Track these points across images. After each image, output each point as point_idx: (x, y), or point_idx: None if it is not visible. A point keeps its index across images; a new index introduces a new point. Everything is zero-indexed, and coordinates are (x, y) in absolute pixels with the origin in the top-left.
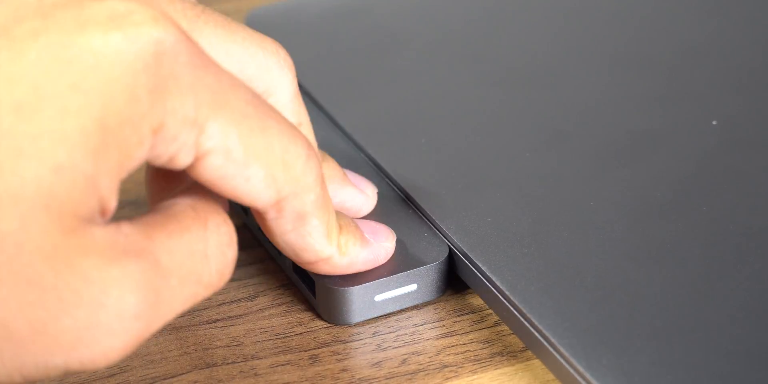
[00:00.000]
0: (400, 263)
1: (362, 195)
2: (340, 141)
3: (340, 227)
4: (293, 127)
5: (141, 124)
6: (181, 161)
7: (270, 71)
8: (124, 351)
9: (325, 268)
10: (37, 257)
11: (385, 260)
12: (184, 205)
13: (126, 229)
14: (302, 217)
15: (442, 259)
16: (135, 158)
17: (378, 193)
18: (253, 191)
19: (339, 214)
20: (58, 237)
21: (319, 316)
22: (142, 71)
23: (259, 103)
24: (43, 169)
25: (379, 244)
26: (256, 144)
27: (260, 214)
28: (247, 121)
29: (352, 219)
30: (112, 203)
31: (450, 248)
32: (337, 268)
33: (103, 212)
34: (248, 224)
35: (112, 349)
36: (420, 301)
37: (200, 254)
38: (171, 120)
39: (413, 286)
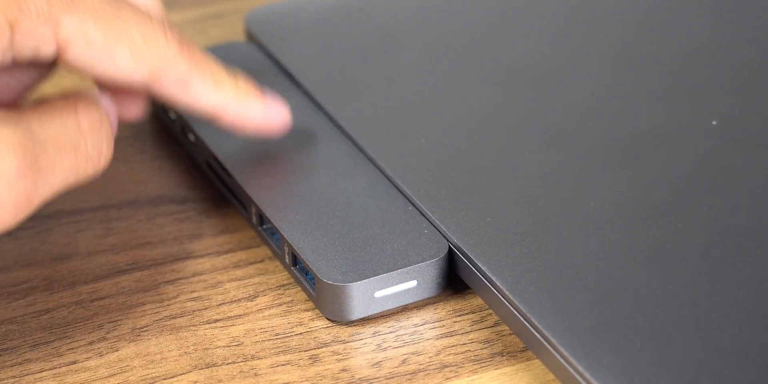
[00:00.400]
0: (400, 259)
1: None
2: (340, 141)
3: (236, 78)
4: (149, 14)
5: None
6: (45, 52)
7: None
8: (15, 211)
9: (228, 119)
10: None
11: (280, 123)
12: (55, 95)
13: None
14: (184, 81)
15: (441, 255)
16: None
17: (378, 191)
18: (125, 69)
19: (231, 71)
20: None
21: (320, 315)
22: None
23: None
24: None
25: (273, 103)
26: (114, 28)
27: (152, 90)
28: (101, 10)
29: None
30: None
31: (450, 247)
32: (239, 115)
33: None
34: (248, 220)
35: (3, 207)
36: (420, 298)
37: (73, 128)
38: (26, 16)
39: (413, 283)
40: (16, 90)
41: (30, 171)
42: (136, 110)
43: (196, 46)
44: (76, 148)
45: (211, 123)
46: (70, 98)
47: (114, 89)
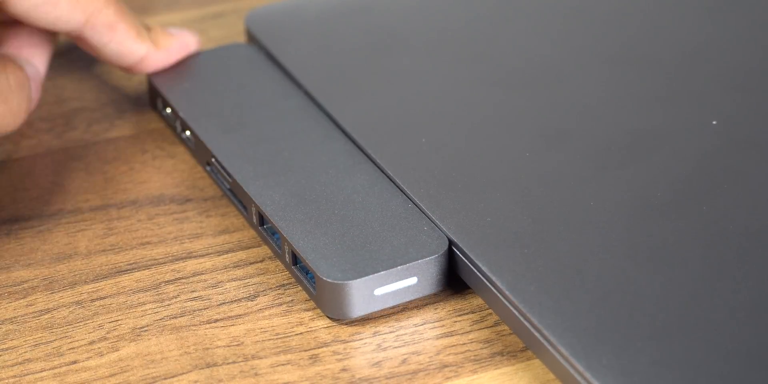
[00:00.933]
0: (400, 256)
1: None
2: (340, 140)
3: (148, 29)
4: None
5: None
6: None
7: None
8: (14, 118)
9: (150, 65)
10: None
11: (195, 47)
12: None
13: None
14: (112, 27)
15: (441, 252)
16: None
17: (378, 189)
18: (63, 15)
19: (143, 22)
20: None
21: (320, 315)
22: None
23: None
24: None
25: (182, 34)
26: None
27: (80, 38)
28: None
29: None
30: None
31: (450, 246)
32: (159, 61)
33: None
34: (247, 220)
35: None
36: (420, 295)
37: (4, 82)
38: None
39: (413, 280)
40: None
41: None
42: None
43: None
44: (6, 99)
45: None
46: (1, 58)
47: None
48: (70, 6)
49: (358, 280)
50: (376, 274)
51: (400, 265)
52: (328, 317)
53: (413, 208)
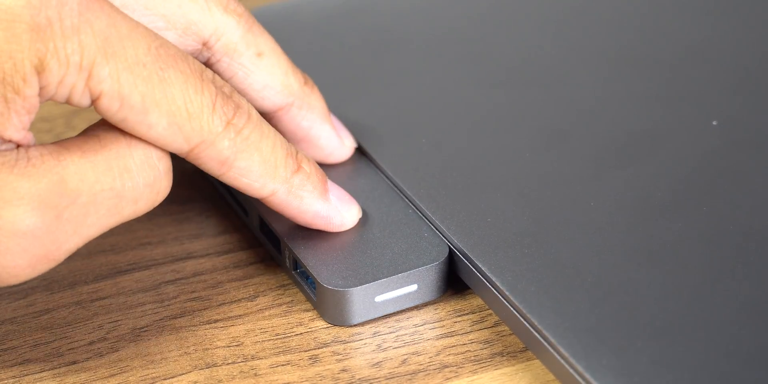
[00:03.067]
0: (401, 264)
1: (338, 139)
2: None
3: (298, 168)
4: (201, 79)
5: (22, 61)
6: (79, 101)
7: (213, 14)
8: (33, 269)
9: (274, 204)
10: None
11: (340, 228)
12: (110, 126)
13: (34, 152)
14: (225, 163)
15: (442, 259)
16: (26, 96)
17: (378, 195)
18: (159, 139)
19: (305, 158)
20: None
21: (320, 317)
22: (24, 8)
23: (164, 52)
24: None
25: (336, 207)
26: (155, 93)
27: (190, 160)
28: (144, 69)
29: (319, 169)
30: (14, 134)
31: (450, 248)
32: (285, 208)
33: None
34: (248, 224)
35: (16, 267)
36: (420, 302)
37: (120, 170)
38: (53, 61)
39: (413, 287)
40: None
41: (49, 230)
42: None
43: (254, 119)
44: (119, 193)
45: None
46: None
47: None
48: (170, 133)
49: (359, 287)
50: (376, 282)
51: (401, 272)
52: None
53: (414, 214)
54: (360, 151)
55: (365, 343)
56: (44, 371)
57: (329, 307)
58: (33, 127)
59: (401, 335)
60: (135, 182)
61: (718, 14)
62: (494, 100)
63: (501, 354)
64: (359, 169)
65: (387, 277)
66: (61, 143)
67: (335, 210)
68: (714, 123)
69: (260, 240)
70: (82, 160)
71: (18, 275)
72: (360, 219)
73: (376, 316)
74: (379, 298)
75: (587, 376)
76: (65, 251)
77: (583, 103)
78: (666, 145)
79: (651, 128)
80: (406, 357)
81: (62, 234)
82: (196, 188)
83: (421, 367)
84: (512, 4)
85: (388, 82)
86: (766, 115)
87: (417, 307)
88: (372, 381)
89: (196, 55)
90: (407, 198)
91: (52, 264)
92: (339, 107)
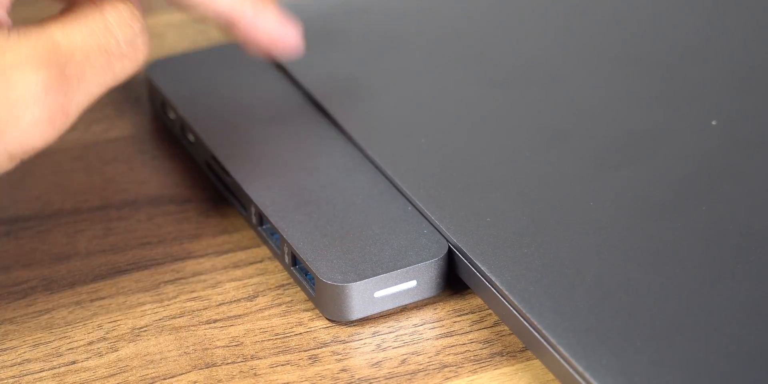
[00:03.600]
0: (400, 259)
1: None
2: (340, 141)
3: None
4: None
5: None
6: None
7: None
8: (53, 124)
9: (242, 24)
10: None
11: (291, 42)
12: (81, 2)
13: (17, 29)
14: None
15: (441, 255)
16: None
17: (378, 191)
18: None
19: None
20: None
21: (319, 315)
22: None
23: None
24: None
25: (287, 21)
26: None
27: None
28: None
29: None
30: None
31: (449, 247)
32: (250, 24)
33: None
34: (247, 220)
35: (38, 123)
36: (420, 298)
37: (101, 30)
38: None
39: (413, 283)
40: None
41: (57, 83)
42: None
43: None
44: (106, 49)
45: (226, 32)
46: (97, 2)
47: None
48: None
49: (358, 282)
50: (375, 277)
51: (400, 268)
52: (327, 318)
53: (413, 211)
54: (360, 150)
55: (365, 343)
56: (43, 371)
57: (328, 303)
58: None
59: (401, 335)
60: (117, 39)
61: (718, 14)
62: (494, 100)
63: (500, 354)
64: (359, 168)
65: (386, 272)
66: (39, 22)
67: (286, 25)
68: (713, 123)
69: (259, 236)
70: (65, 26)
71: (42, 134)
72: (360, 215)
73: (375, 311)
74: (378, 294)
75: (587, 376)
76: (76, 105)
77: (583, 103)
78: (666, 145)
79: (651, 128)
80: (405, 357)
81: (69, 87)
82: (196, 188)
83: (421, 366)
84: (512, 4)
85: (387, 82)
86: (766, 115)
87: (417, 307)
88: (372, 381)
89: None
90: (407, 198)
91: (67, 120)
92: (339, 107)
